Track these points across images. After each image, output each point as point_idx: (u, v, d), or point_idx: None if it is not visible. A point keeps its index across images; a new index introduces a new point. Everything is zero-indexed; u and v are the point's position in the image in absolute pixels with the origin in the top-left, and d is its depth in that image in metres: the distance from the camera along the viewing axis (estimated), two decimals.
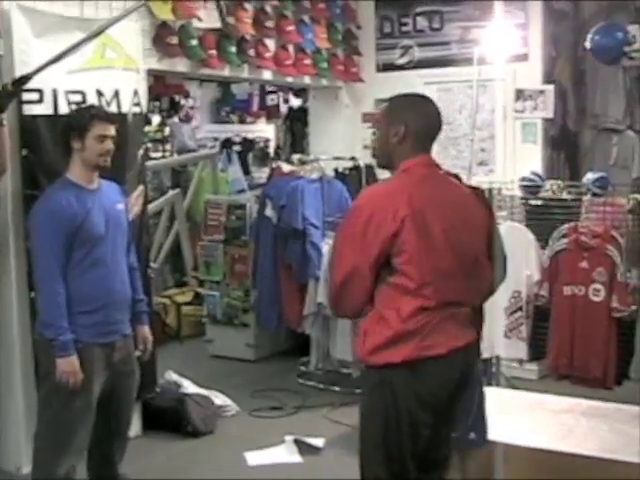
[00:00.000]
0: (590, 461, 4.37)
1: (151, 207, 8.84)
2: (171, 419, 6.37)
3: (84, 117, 4.49)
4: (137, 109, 5.99)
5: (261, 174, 10.77)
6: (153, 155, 11.14)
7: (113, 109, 5.63)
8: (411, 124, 3.63)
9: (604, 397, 5.62)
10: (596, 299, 6.10)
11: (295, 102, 12.42)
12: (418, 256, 3.45)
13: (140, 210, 6.07)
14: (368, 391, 3.62)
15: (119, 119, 5.13)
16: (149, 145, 10.86)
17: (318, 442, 6.00)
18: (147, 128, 10.67)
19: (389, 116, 3.69)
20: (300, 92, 11.57)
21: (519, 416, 4.79)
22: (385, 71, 8.78)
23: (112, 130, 4.47)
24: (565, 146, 8.37)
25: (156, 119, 12.15)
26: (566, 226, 6.28)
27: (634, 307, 6.11)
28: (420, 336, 3.45)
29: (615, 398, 5.62)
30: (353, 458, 5.60)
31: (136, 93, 5.97)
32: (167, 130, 12.14)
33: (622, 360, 6.26)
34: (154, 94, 10.87)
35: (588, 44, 6.71)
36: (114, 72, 5.80)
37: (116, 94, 5.76)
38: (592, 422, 4.88)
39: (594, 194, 6.52)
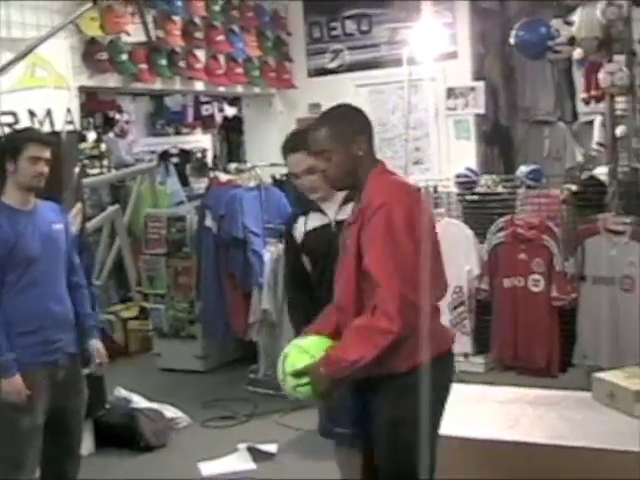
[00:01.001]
0: (538, 449, 4.44)
1: (91, 224, 8.82)
2: (123, 435, 6.35)
3: (17, 139, 4.48)
4: (70, 127, 5.97)
5: (200, 185, 10.74)
6: (90, 172, 11.06)
7: (46, 128, 5.62)
8: (366, 133, 3.59)
9: (550, 385, 5.72)
10: (536, 290, 6.21)
11: (230, 111, 12.42)
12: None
13: (78, 228, 6.05)
14: (394, 398, 3.51)
15: (53, 139, 5.11)
16: (86, 162, 10.83)
17: (271, 448, 6.03)
18: (82, 145, 10.63)
19: (341, 135, 3.48)
20: (234, 101, 11.57)
21: (467, 409, 4.84)
22: (317, 76, 8.86)
23: (46, 152, 4.43)
24: (498, 141, 8.50)
25: (92, 135, 12.08)
26: (503, 219, 6.38)
27: (573, 295, 6.23)
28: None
29: (560, 385, 5.72)
30: (307, 461, 5.68)
31: (69, 111, 5.95)
32: (103, 146, 12.06)
33: (565, 348, 6.38)
34: (87, 111, 10.80)
35: (512, 40, 6.81)
36: (45, 91, 5.78)
37: (48, 113, 5.74)
38: (539, 410, 4.95)
39: (528, 186, 6.63)
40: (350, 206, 4.03)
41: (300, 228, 4.52)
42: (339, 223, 4.26)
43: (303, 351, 3.47)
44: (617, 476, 4.23)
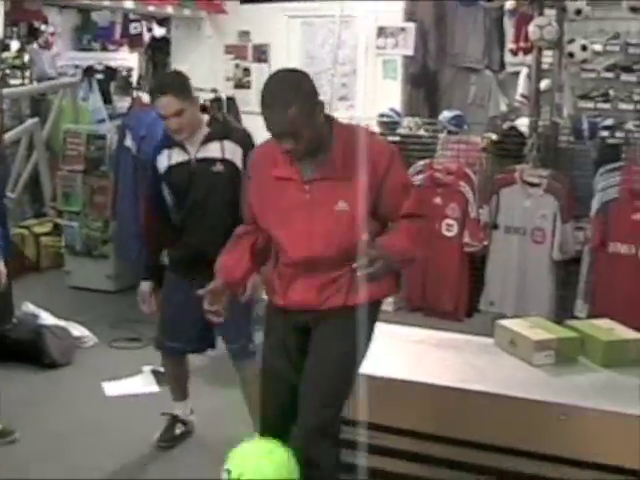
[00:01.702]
0: (439, 390, 4.53)
1: (8, 136, 8.68)
2: (28, 351, 6.33)
3: None
4: None
5: (123, 104, 10.57)
6: (12, 82, 10.85)
7: None
8: (318, 94, 3.60)
9: (455, 329, 5.81)
10: (449, 234, 6.28)
11: (158, 31, 12.22)
12: None
13: None
14: (352, 326, 3.69)
15: None
16: (7, 72, 10.60)
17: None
18: (5, 54, 10.39)
19: (307, 112, 3.46)
20: (163, 21, 11.40)
21: (372, 346, 4.91)
22: (249, 3, 8.73)
23: None
24: (424, 84, 8.51)
25: (15, 45, 11.82)
26: (422, 163, 6.42)
27: (485, 242, 6.32)
28: None
29: (466, 330, 5.82)
30: (209, 386, 5.73)
31: None
32: (26, 57, 11.82)
33: (473, 294, 6.48)
34: (11, 20, 10.54)
35: None
36: None
37: None
38: (442, 353, 5.04)
39: (450, 132, 6.67)
40: (212, 145, 4.73)
41: (163, 161, 4.81)
42: (199, 161, 4.74)
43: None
44: (515, 422, 4.35)
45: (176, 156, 4.78)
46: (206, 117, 4.86)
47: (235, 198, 4.56)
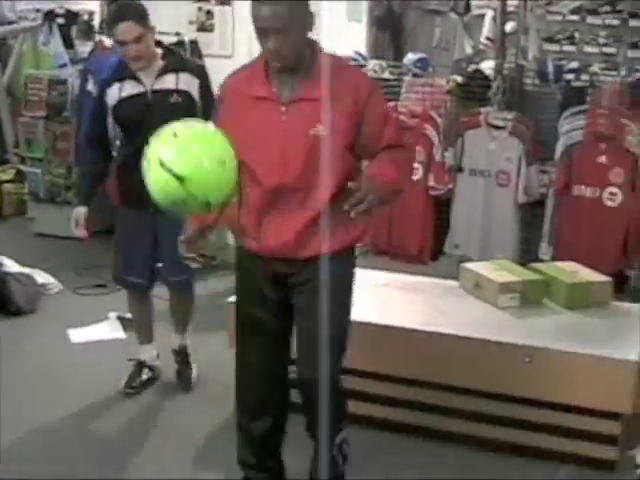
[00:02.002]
0: (403, 332, 4.57)
1: None
2: None
3: None
4: None
5: (85, 48, 10.44)
6: None
7: None
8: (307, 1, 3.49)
9: (421, 272, 5.84)
10: (414, 177, 6.27)
11: None
12: None
13: None
14: (343, 270, 3.68)
15: None
16: None
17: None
18: None
19: (300, 12, 3.38)
20: None
21: None
22: None
23: None
24: (389, 26, 8.46)
25: None
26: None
27: (450, 186, 6.33)
28: None
29: (431, 273, 5.85)
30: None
31: None
32: None
33: (438, 237, 6.51)
34: None
35: None
36: None
37: None
38: (407, 296, 5.08)
39: (415, 75, 6.65)
40: (168, 77, 4.78)
41: (114, 94, 4.82)
42: (155, 92, 4.78)
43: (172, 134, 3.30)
44: (480, 364, 4.40)
45: (129, 88, 4.81)
46: (159, 50, 4.90)
47: None
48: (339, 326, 3.67)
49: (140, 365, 5.31)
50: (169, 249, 4.60)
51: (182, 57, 5.16)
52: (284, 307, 3.74)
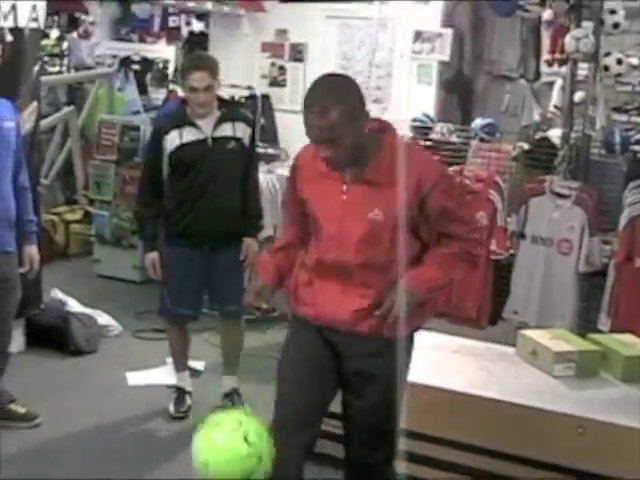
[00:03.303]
0: (457, 396, 4.57)
1: (45, 123, 8.75)
2: (55, 337, 6.41)
3: None
4: (34, 24, 5.91)
5: (158, 95, 10.66)
6: (50, 70, 10.94)
7: (9, 24, 5.56)
8: (364, 103, 3.46)
9: (478, 336, 5.84)
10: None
11: (197, 26, 12.30)
12: None
13: (32, 126, 6.03)
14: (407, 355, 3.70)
15: (15, 34, 5.08)
16: (46, 59, 10.68)
17: (199, 365, 6.13)
18: (44, 42, 10.46)
19: (350, 113, 3.33)
20: (202, 16, 11.47)
21: None
22: (288, 1, 8.75)
23: None
24: (459, 90, 8.52)
25: (54, 33, 11.91)
26: (452, 169, 6.43)
27: (511, 251, 6.34)
28: None
29: (488, 338, 5.84)
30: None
31: (34, 8, 5.88)
32: (65, 45, 11.91)
33: (497, 302, 6.49)
34: (53, 9, 10.65)
35: None
36: None
37: (13, 8, 5.67)
38: (463, 359, 5.08)
39: (482, 139, 6.68)
40: (225, 125, 5.26)
41: (174, 140, 5.20)
42: (214, 139, 5.23)
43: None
44: (532, 432, 4.38)
45: (189, 135, 5.22)
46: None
47: (243, 173, 5.40)
48: (392, 417, 3.68)
49: (181, 391, 5.62)
50: (223, 283, 5.43)
51: (235, 107, 5.80)
52: (331, 370, 3.69)
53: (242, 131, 5.35)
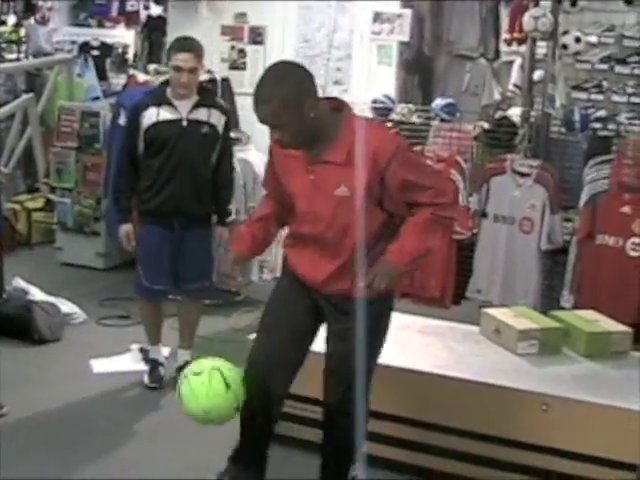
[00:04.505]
0: (420, 375, 4.59)
1: (3, 111, 8.72)
2: (18, 326, 6.36)
3: None
4: None
5: (119, 80, 10.57)
6: (7, 57, 10.84)
7: None
8: (312, 90, 3.70)
9: (442, 316, 5.87)
10: None
11: (155, 10, 12.18)
12: None
13: None
14: (378, 317, 3.93)
15: None
16: (3, 46, 10.58)
17: (164, 351, 6.11)
18: (1, 29, 10.37)
19: (289, 102, 3.57)
20: (161, 0, 11.37)
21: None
22: None
23: None
24: (419, 71, 8.51)
25: (11, 20, 11.78)
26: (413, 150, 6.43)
27: (474, 231, 6.37)
28: None
29: (452, 317, 5.87)
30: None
31: None
32: (22, 31, 11.78)
33: (460, 281, 6.53)
34: None
35: None
36: None
37: None
38: (426, 339, 5.11)
39: (442, 119, 6.70)
40: (201, 110, 5.44)
41: (151, 117, 5.38)
42: (190, 121, 5.41)
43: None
44: (496, 410, 4.42)
45: (165, 114, 5.40)
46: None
47: (213, 159, 5.56)
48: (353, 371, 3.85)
49: (155, 363, 5.79)
50: (190, 261, 5.60)
51: (214, 96, 5.93)
52: (314, 312, 3.98)
53: (216, 118, 5.53)
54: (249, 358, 3.99)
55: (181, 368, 5.55)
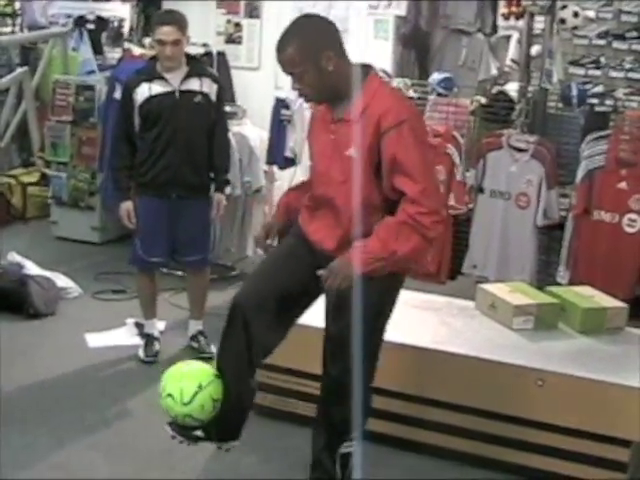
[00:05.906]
0: (415, 351, 4.59)
1: None
2: (13, 300, 6.36)
3: None
4: None
5: (114, 54, 10.52)
6: (2, 30, 10.78)
7: None
8: (335, 44, 3.64)
9: (438, 291, 5.87)
10: None
11: None
12: None
13: None
14: (383, 292, 3.83)
15: None
16: None
17: (159, 325, 6.10)
18: None
19: (305, 50, 3.56)
20: None
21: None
22: None
23: None
24: (416, 45, 8.47)
25: None
26: None
27: (470, 206, 6.36)
28: None
29: (448, 292, 5.87)
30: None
31: None
32: (17, 5, 11.70)
33: (456, 257, 6.52)
34: None
35: None
36: None
37: None
38: (422, 314, 5.11)
39: (439, 94, 6.67)
40: (193, 80, 5.49)
41: (144, 93, 5.45)
42: (182, 92, 5.47)
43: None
44: (492, 385, 4.42)
45: (158, 87, 5.46)
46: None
47: (211, 127, 5.62)
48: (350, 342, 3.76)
49: (150, 337, 5.87)
50: (189, 232, 5.67)
51: (203, 65, 6.00)
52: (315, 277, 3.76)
53: (208, 86, 5.59)
54: (233, 298, 3.90)
55: (193, 337, 5.91)
